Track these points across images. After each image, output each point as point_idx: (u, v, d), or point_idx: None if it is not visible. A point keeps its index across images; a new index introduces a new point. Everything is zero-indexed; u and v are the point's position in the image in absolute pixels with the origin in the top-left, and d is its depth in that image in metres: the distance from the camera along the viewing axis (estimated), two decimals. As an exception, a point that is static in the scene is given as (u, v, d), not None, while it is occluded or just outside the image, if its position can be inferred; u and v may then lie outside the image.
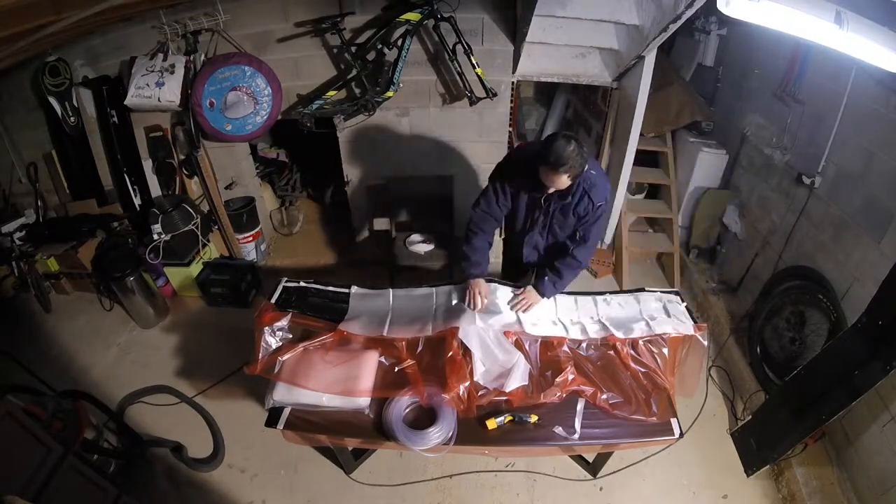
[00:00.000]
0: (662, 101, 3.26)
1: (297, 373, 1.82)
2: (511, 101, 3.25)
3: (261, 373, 1.86)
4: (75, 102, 3.14)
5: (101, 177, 3.49)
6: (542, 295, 2.11)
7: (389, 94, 2.91)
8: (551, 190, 1.88)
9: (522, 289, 2.14)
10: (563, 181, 1.81)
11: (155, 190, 3.54)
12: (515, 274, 2.56)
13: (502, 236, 2.69)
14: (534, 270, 2.45)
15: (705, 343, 1.97)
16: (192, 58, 2.97)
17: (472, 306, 2.05)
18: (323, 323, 2.05)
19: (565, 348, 1.95)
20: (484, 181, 3.46)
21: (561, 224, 2.11)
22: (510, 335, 1.94)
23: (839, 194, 2.40)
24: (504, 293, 2.16)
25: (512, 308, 2.09)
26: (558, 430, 1.75)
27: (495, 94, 2.98)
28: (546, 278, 2.11)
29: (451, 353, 1.86)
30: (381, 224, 3.71)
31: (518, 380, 1.80)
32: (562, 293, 2.23)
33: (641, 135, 3.15)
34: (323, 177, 4.24)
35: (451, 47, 2.81)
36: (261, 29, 3.00)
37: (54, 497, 1.59)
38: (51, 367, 2.75)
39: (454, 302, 2.12)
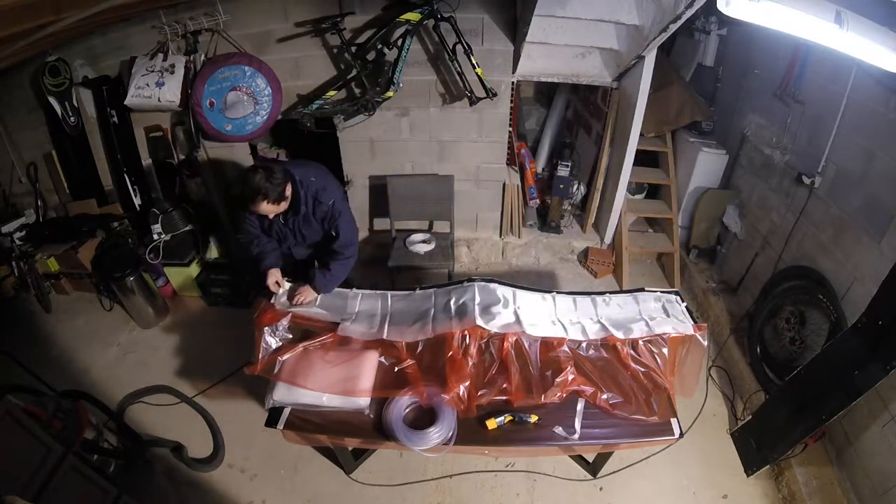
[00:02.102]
0: (662, 101, 3.26)
1: (297, 373, 1.82)
2: (511, 101, 3.25)
3: (261, 373, 1.86)
4: (75, 102, 3.15)
5: (101, 177, 3.49)
6: (317, 290, 2.21)
7: (389, 94, 2.91)
8: (271, 216, 2.09)
9: (298, 285, 2.24)
10: (270, 208, 2.03)
11: (155, 190, 3.54)
12: (296, 271, 2.63)
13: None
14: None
15: (705, 343, 1.97)
16: (192, 58, 2.97)
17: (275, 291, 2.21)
18: (323, 323, 2.05)
19: (565, 348, 1.95)
20: (484, 181, 3.50)
21: (310, 232, 2.27)
22: (510, 336, 1.94)
23: (839, 194, 2.40)
24: (503, 292, 2.16)
25: (291, 303, 2.16)
26: (558, 430, 1.75)
27: (495, 94, 2.98)
28: (317, 273, 2.23)
29: (450, 353, 1.86)
30: (381, 224, 3.71)
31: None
32: (561, 293, 2.23)
33: (641, 135, 3.15)
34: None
35: (451, 47, 2.81)
36: (261, 29, 3.00)
37: (54, 497, 1.59)
38: (51, 367, 2.75)
39: (454, 302, 2.12)
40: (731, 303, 3.16)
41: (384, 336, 2.00)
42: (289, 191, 2.08)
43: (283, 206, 2.10)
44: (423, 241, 3.21)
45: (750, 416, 2.46)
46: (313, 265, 2.51)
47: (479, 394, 1.79)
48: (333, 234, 2.24)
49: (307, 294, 2.18)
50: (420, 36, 2.95)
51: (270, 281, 2.22)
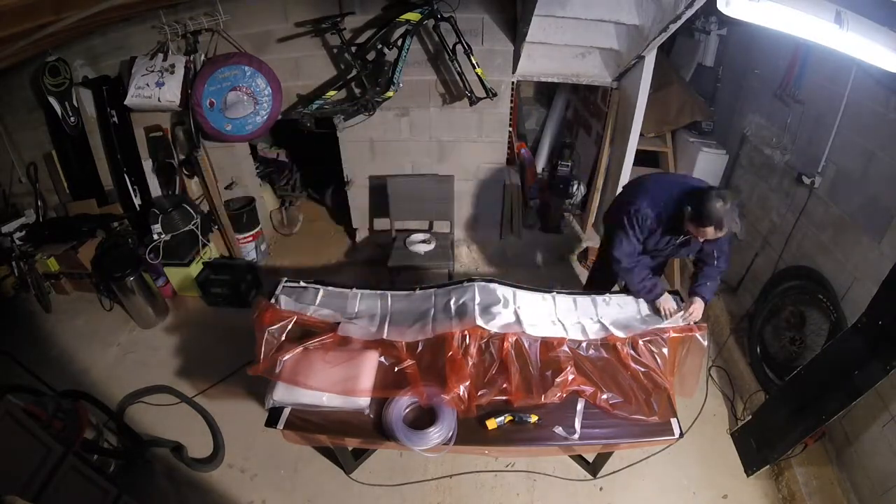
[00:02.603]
0: (662, 101, 3.26)
1: (298, 373, 1.82)
2: (511, 101, 3.25)
3: (262, 373, 1.86)
4: (75, 102, 3.14)
5: (101, 177, 3.49)
6: (706, 301, 2.17)
7: (389, 94, 2.91)
8: (701, 240, 1.99)
9: (689, 302, 2.18)
10: (713, 235, 1.91)
11: (155, 190, 3.54)
12: (606, 280, 2.60)
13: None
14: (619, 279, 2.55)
15: (705, 343, 1.97)
16: (192, 58, 2.97)
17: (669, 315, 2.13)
18: (323, 323, 2.05)
19: (565, 348, 1.95)
20: (484, 181, 3.50)
21: (688, 250, 2.21)
22: (510, 336, 1.94)
23: (839, 194, 2.40)
24: (504, 292, 2.16)
25: (684, 321, 2.11)
26: (558, 430, 1.75)
27: (495, 94, 2.98)
28: (708, 284, 2.18)
29: (450, 353, 1.86)
30: (381, 224, 3.71)
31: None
32: (561, 293, 2.24)
33: (641, 135, 3.15)
34: (323, 177, 4.25)
35: (451, 47, 2.81)
36: (261, 29, 3.00)
37: (54, 497, 1.59)
38: (51, 367, 2.75)
39: (454, 302, 2.12)
40: (731, 303, 3.16)
41: (384, 336, 2.00)
42: None
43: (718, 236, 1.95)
44: (423, 241, 3.21)
45: (750, 416, 2.46)
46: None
47: (479, 394, 1.79)
48: (717, 254, 2.17)
49: (699, 306, 2.15)
50: (420, 36, 2.95)
51: (667, 307, 2.14)
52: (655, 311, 2.17)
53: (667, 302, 2.15)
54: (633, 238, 2.12)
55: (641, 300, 2.21)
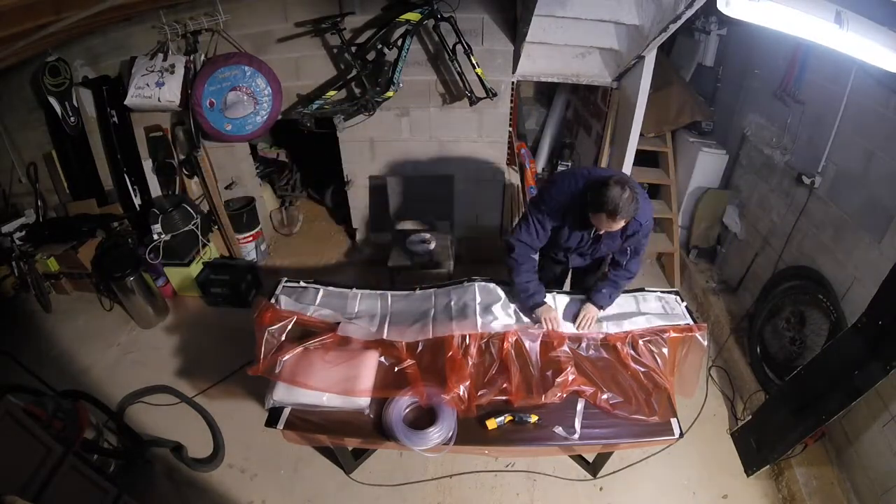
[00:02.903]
0: (662, 101, 3.26)
1: (298, 373, 1.82)
2: (511, 101, 3.25)
3: (263, 373, 1.86)
4: (75, 102, 3.14)
5: (101, 177, 3.49)
6: (601, 307, 2.07)
7: (389, 94, 2.91)
8: (602, 231, 1.88)
9: (581, 306, 2.09)
10: (619, 225, 1.80)
11: (155, 190, 3.54)
12: (556, 275, 2.50)
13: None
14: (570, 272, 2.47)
15: (705, 343, 1.97)
16: (192, 58, 2.97)
17: (553, 328, 2.02)
18: (323, 323, 2.05)
19: (565, 348, 1.95)
20: (484, 181, 3.50)
21: (609, 245, 2.09)
22: (510, 333, 1.94)
23: (839, 194, 2.40)
24: (504, 292, 2.16)
25: (578, 328, 2.05)
26: (558, 430, 1.75)
27: (495, 94, 2.98)
28: (603, 290, 2.07)
29: (450, 353, 1.86)
30: (380, 224, 3.71)
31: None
32: (561, 293, 2.24)
33: (641, 135, 3.15)
34: (323, 177, 4.25)
35: (451, 47, 2.81)
36: (261, 29, 3.00)
37: (54, 497, 1.59)
38: (51, 367, 2.75)
39: (454, 302, 2.12)
40: (731, 303, 3.16)
41: (384, 336, 2.00)
42: None
43: (620, 227, 1.83)
44: (423, 242, 3.21)
45: (750, 416, 2.46)
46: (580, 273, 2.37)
47: (479, 394, 1.79)
48: (630, 251, 2.06)
49: (593, 312, 2.05)
50: (420, 36, 2.95)
51: (549, 316, 2.03)
52: (536, 319, 2.05)
53: (547, 312, 2.03)
54: (532, 228, 2.01)
55: (641, 300, 2.21)
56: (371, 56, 2.89)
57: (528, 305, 2.07)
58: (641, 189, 1.92)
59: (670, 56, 3.73)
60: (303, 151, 4.34)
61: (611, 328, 2.05)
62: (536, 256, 2.12)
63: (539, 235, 2.03)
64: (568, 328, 2.06)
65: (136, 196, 3.47)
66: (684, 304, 2.19)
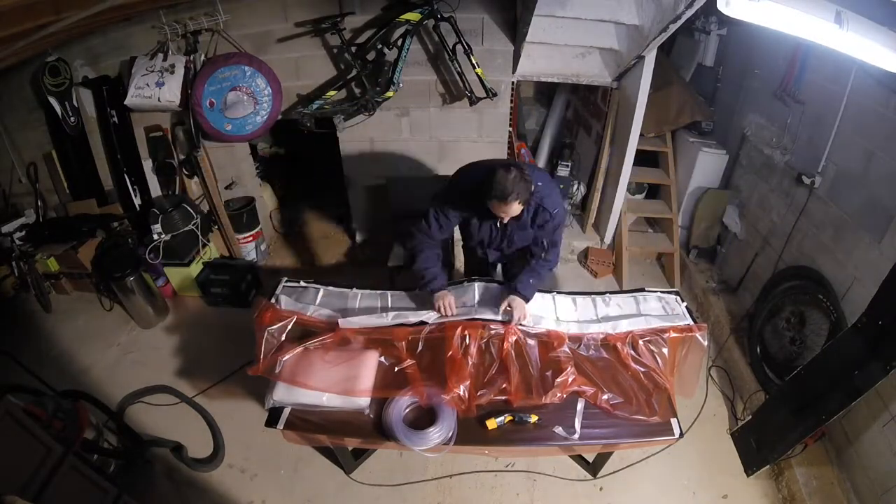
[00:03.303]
0: (662, 101, 3.26)
1: (298, 373, 1.82)
2: (511, 101, 3.25)
3: (263, 373, 1.86)
4: (75, 102, 3.14)
5: (101, 177, 3.49)
6: (526, 300, 2.05)
7: (389, 94, 2.91)
8: (506, 219, 1.92)
9: (506, 301, 2.04)
10: (515, 209, 1.83)
11: (155, 190, 3.54)
12: (480, 269, 2.56)
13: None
14: (497, 265, 2.51)
15: (705, 343, 1.97)
16: (192, 58, 2.97)
17: (447, 315, 2.03)
18: (323, 323, 2.05)
19: (565, 348, 1.95)
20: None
21: (521, 236, 2.12)
22: (510, 333, 1.94)
23: (839, 194, 2.40)
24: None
25: (504, 321, 2.02)
26: (558, 430, 1.75)
27: (495, 94, 2.98)
28: (524, 279, 2.06)
29: (450, 353, 1.86)
30: (381, 224, 3.71)
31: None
32: (561, 293, 2.24)
33: (641, 135, 3.16)
34: (323, 177, 4.24)
35: (451, 47, 2.81)
36: (261, 29, 3.00)
37: (54, 497, 1.59)
38: (51, 367, 2.75)
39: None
40: (731, 303, 3.16)
41: (388, 321, 2.01)
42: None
43: (518, 211, 1.87)
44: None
45: (750, 416, 2.46)
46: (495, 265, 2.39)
47: (479, 394, 1.79)
48: (546, 243, 2.06)
49: (519, 307, 2.01)
50: (420, 36, 2.95)
51: (444, 304, 2.03)
52: (433, 305, 2.06)
53: (444, 297, 2.04)
54: (433, 220, 2.03)
55: (641, 300, 2.21)
56: (371, 56, 2.89)
57: (427, 290, 2.08)
58: (547, 177, 2.00)
59: (670, 56, 3.73)
60: (303, 151, 4.34)
61: (611, 328, 2.05)
62: (439, 250, 2.14)
63: (442, 228, 2.06)
64: (571, 328, 2.06)
65: (136, 196, 3.47)
66: (684, 304, 2.19)
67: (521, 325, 2.00)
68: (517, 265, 2.38)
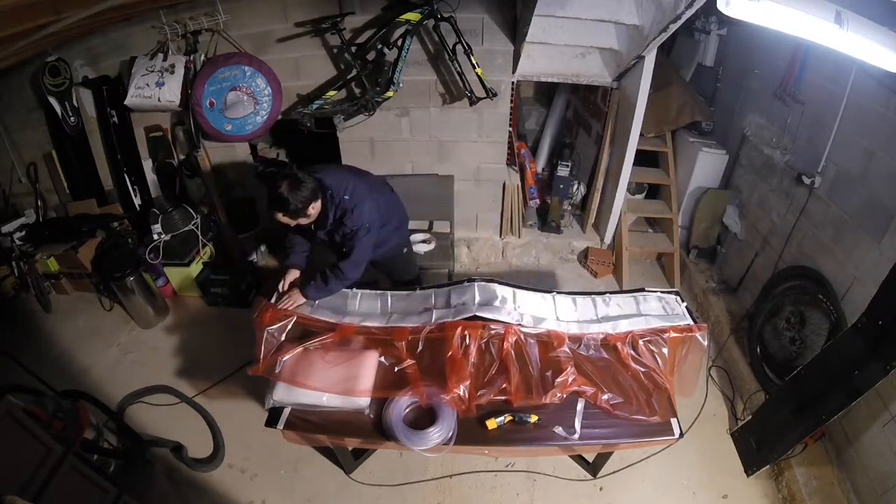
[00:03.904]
0: (662, 101, 3.26)
1: (298, 373, 1.82)
2: (511, 101, 3.25)
3: (262, 373, 1.86)
4: (75, 102, 3.15)
5: (101, 177, 3.49)
6: (306, 296, 2.17)
7: (389, 94, 2.91)
8: (292, 224, 2.06)
9: (289, 287, 2.24)
10: (286, 220, 2.01)
11: (155, 190, 3.54)
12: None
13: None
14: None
15: (705, 343, 1.97)
16: (192, 58, 2.98)
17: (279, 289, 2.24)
18: (323, 323, 2.05)
19: (565, 349, 1.94)
20: (484, 181, 3.50)
21: (333, 244, 2.27)
22: (510, 333, 1.94)
23: (839, 194, 2.40)
24: (503, 292, 2.16)
25: (277, 305, 2.14)
26: (558, 430, 1.75)
27: (495, 94, 2.98)
28: (312, 282, 2.19)
29: (450, 353, 1.86)
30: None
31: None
32: (561, 293, 2.23)
33: (641, 135, 3.15)
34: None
35: (451, 47, 2.81)
36: (261, 29, 3.00)
37: (54, 497, 1.59)
38: (51, 367, 2.75)
39: (454, 302, 2.12)
40: (731, 303, 3.16)
41: (385, 323, 2.03)
42: (313, 209, 2.04)
43: (304, 222, 2.07)
44: (423, 241, 3.21)
45: (750, 416, 2.46)
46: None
47: (478, 394, 1.78)
48: (346, 250, 2.20)
49: (295, 298, 2.15)
50: (420, 36, 2.95)
51: (283, 278, 2.27)
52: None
53: (289, 274, 2.28)
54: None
55: (641, 300, 2.21)
56: (371, 56, 2.89)
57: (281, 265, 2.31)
58: (364, 191, 2.15)
59: (670, 56, 3.73)
60: (303, 151, 4.33)
61: (611, 328, 2.04)
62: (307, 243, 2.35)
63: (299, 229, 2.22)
64: (571, 328, 2.05)
65: (136, 196, 3.47)
66: (684, 304, 2.18)
67: (520, 325, 2.00)
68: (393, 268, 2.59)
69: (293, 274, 2.29)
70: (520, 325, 1.99)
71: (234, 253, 3.68)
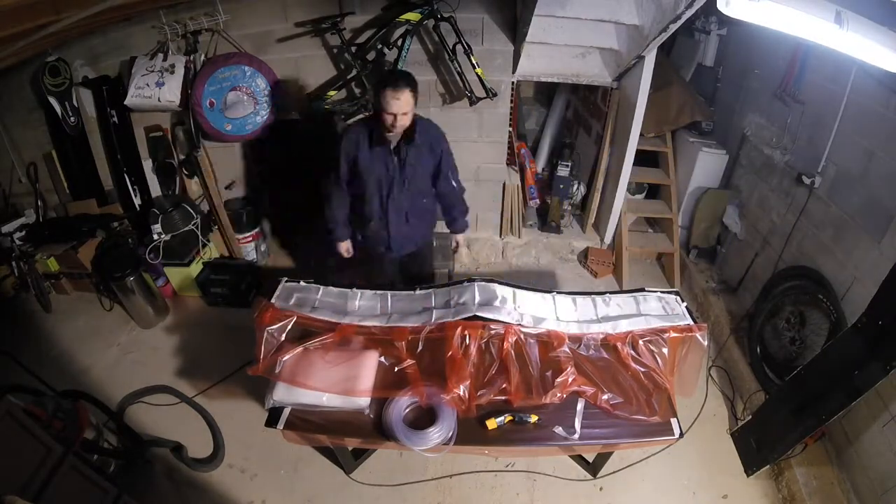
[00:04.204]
0: (662, 101, 3.26)
1: (298, 373, 1.82)
2: (511, 101, 3.25)
3: (263, 373, 1.86)
4: (75, 102, 3.14)
5: (101, 177, 3.49)
6: (463, 231, 2.37)
7: (389, 94, 2.90)
8: (399, 127, 2.03)
9: (453, 243, 2.44)
10: (407, 98, 1.97)
11: (155, 190, 3.54)
12: (383, 272, 2.64)
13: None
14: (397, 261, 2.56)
15: (705, 343, 1.96)
16: (192, 58, 2.97)
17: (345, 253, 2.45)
18: (323, 323, 2.05)
19: (565, 349, 1.94)
20: (484, 181, 3.50)
21: (420, 170, 2.21)
22: (510, 333, 1.94)
23: (839, 194, 2.40)
24: (503, 292, 2.16)
25: (455, 252, 2.29)
26: (558, 430, 1.75)
27: (495, 94, 2.98)
28: (456, 217, 2.34)
29: (450, 353, 1.86)
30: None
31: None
32: (561, 293, 2.23)
33: (641, 135, 3.15)
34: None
35: (451, 47, 2.81)
36: (261, 29, 3.00)
37: (54, 497, 1.59)
38: (51, 367, 2.75)
39: (454, 302, 2.12)
40: (731, 303, 3.16)
41: (386, 323, 2.03)
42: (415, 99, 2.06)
43: (410, 104, 2.01)
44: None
45: (750, 416, 2.46)
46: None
47: (478, 394, 1.78)
48: (444, 173, 2.25)
49: (460, 240, 2.39)
50: (420, 36, 2.95)
51: (343, 249, 2.44)
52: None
53: (343, 245, 2.45)
54: (340, 162, 2.20)
55: (641, 300, 2.21)
56: (371, 56, 2.89)
57: (330, 239, 2.44)
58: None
59: (670, 56, 3.73)
60: (303, 151, 4.33)
61: (611, 328, 2.04)
62: (347, 201, 2.34)
63: (338, 170, 2.22)
64: (571, 328, 2.06)
65: (136, 196, 3.47)
66: (684, 304, 2.18)
67: (520, 325, 2.00)
68: (419, 264, 2.57)
69: (348, 243, 2.45)
70: (520, 325, 1.99)
71: (234, 253, 3.68)
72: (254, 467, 2.39)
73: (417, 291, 2.25)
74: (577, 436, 1.74)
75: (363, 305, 2.19)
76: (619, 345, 1.96)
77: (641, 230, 3.84)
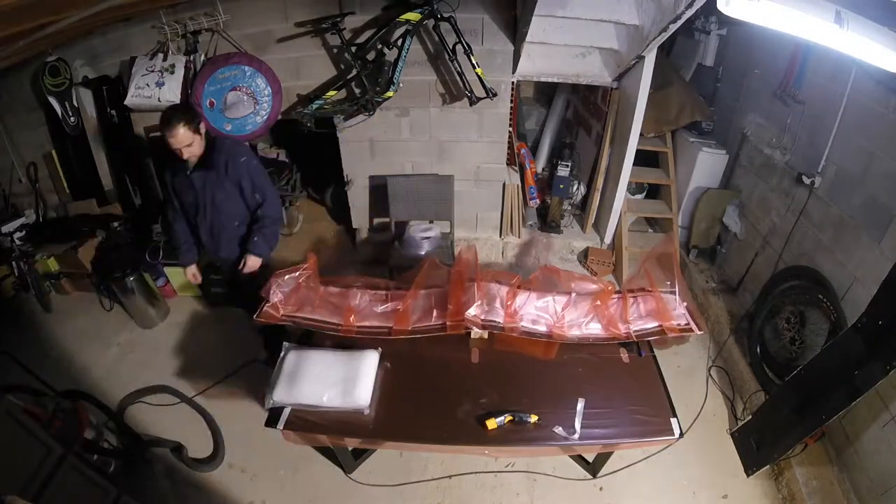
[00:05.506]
0: (662, 100, 3.26)
1: (298, 372, 1.83)
2: (511, 101, 3.25)
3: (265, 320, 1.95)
4: (75, 102, 3.15)
5: (101, 177, 3.49)
6: (259, 255, 2.29)
7: (389, 94, 2.91)
8: (187, 156, 2.08)
9: (242, 261, 2.32)
10: (185, 135, 2.02)
11: (155, 190, 3.54)
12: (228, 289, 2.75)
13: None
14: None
15: (676, 244, 1.98)
16: (192, 58, 2.97)
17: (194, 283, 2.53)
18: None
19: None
20: (484, 181, 3.50)
21: (223, 196, 2.23)
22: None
23: (839, 194, 2.40)
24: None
25: (242, 272, 2.29)
26: (558, 430, 1.75)
27: (495, 94, 2.98)
28: (255, 238, 2.28)
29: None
30: (381, 224, 3.71)
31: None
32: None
33: (641, 135, 3.15)
34: (323, 177, 4.24)
35: (451, 47, 2.81)
36: (261, 29, 3.00)
37: (54, 497, 1.59)
38: (51, 367, 2.74)
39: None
40: (731, 303, 3.16)
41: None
42: (203, 128, 2.12)
43: (198, 141, 2.09)
44: (424, 231, 3.20)
45: (750, 416, 2.46)
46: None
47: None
48: (258, 198, 2.25)
49: (252, 262, 2.28)
50: (420, 36, 2.95)
51: (189, 274, 2.48)
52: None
53: (189, 269, 2.47)
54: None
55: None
56: (371, 56, 2.89)
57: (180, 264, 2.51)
58: (245, 147, 2.26)
59: (670, 56, 3.73)
60: (303, 151, 4.34)
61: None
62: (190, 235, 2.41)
63: (174, 192, 2.29)
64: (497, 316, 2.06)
65: (136, 196, 3.47)
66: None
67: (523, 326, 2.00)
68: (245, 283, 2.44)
69: (193, 268, 2.49)
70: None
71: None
72: (254, 467, 2.39)
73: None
74: (577, 436, 1.74)
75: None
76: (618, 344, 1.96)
77: (641, 230, 3.84)
